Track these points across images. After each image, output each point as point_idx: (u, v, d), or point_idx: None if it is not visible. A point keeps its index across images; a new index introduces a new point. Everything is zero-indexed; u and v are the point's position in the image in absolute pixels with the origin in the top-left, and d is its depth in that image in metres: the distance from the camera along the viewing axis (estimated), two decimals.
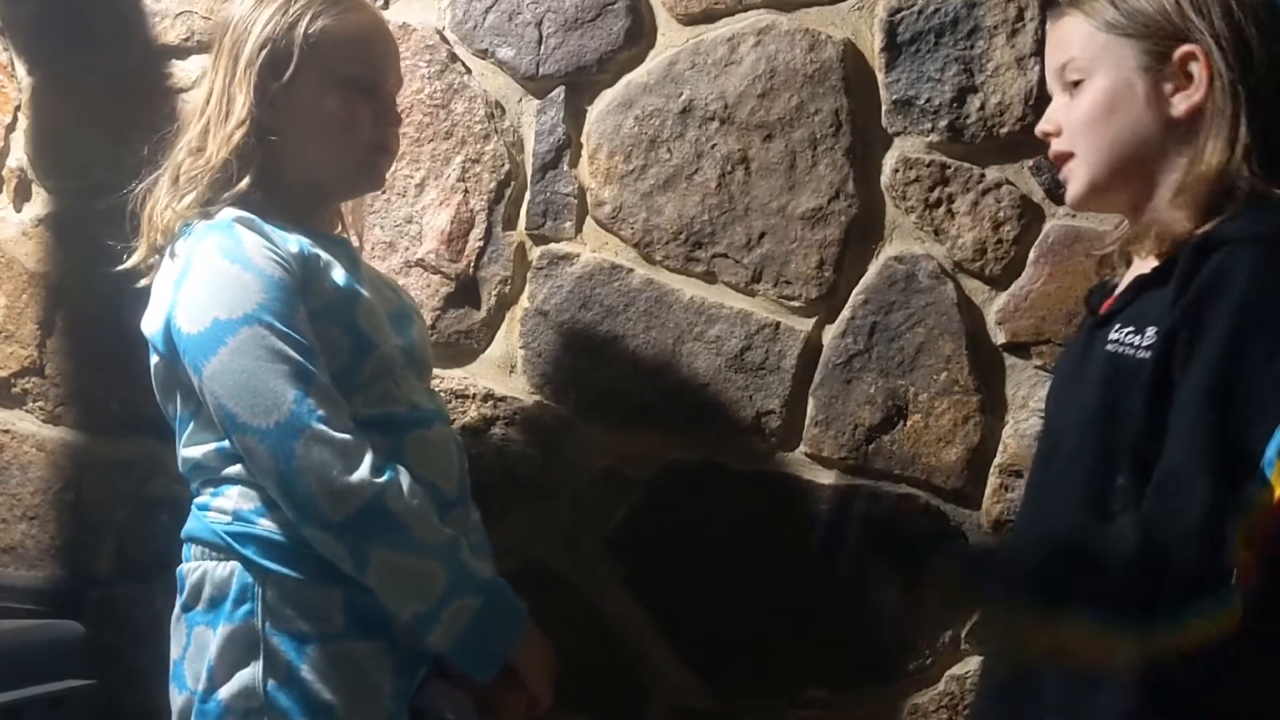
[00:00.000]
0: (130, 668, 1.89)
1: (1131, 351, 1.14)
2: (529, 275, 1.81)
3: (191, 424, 1.42)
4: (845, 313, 1.71)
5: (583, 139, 1.80)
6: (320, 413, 1.31)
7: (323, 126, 1.44)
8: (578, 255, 1.79)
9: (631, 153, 1.77)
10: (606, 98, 1.79)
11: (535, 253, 1.82)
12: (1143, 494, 1.10)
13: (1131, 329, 1.16)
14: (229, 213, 1.39)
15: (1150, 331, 1.13)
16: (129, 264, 1.47)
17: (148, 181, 1.47)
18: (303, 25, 1.42)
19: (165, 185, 1.45)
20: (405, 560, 1.32)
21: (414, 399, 1.45)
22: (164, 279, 1.41)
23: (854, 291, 1.70)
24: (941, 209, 1.67)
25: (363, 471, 1.30)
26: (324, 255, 1.42)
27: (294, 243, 1.40)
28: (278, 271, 1.35)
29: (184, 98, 1.95)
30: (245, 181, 1.41)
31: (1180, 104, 1.19)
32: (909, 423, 1.67)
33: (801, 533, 1.70)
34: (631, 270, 1.77)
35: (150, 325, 1.41)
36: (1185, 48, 1.18)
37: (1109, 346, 1.17)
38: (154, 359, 1.44)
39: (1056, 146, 1.26)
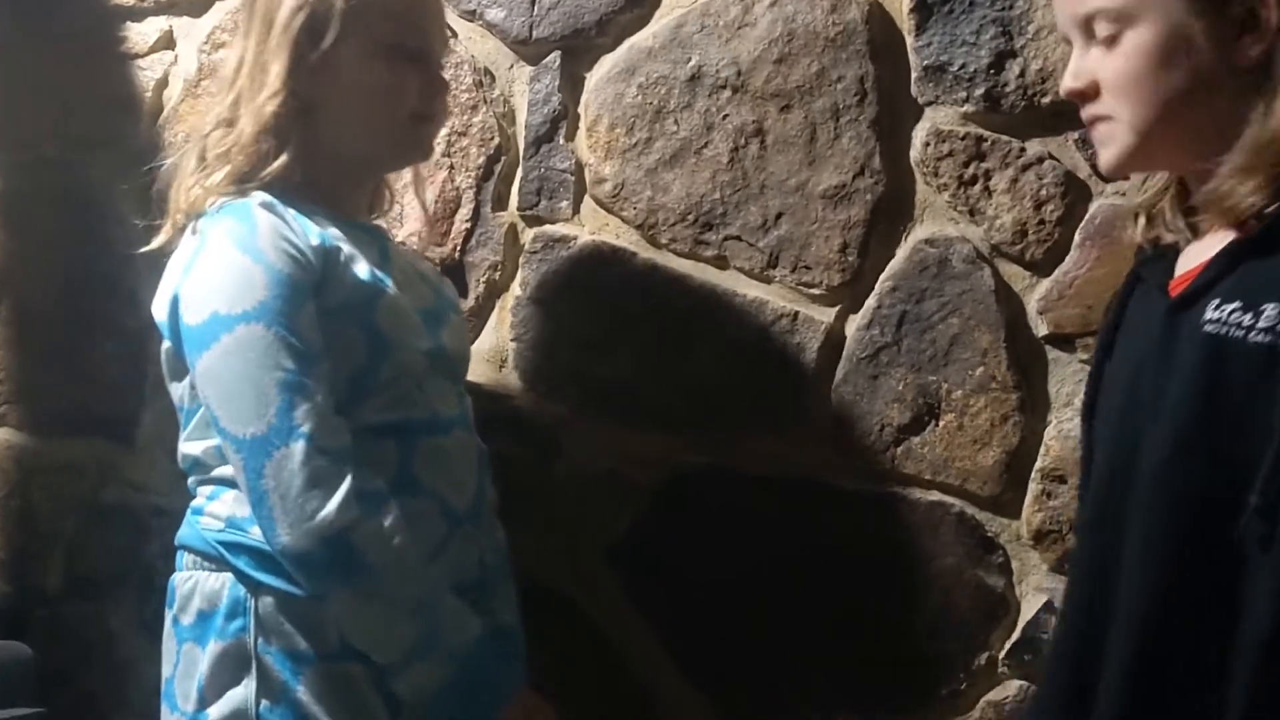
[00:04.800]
0: (82, 693, 1.93)
1: (1242, 334, 1.05)
2: (521, 260, 1.82)
3: (194, 418, 1.46)
4: (871, 301, 1.70)
5: (580, 109, 1.80)
6: (304, 429, 1.33)
7: (365, 97, 1.48)
8: (575, 238, 1.79)
9: (634, 124, 1.76)
10: (607, 64, 1.79)
11: (528, 235, 1.82)
12: (1277, 517, 1.03)
13: (1238, 305, 1.07)
14: (255, 196, 1.43)
15: (1271, 309, 1.05)
16: (153, 246, 1.50)
17: (175, 157, 1.52)
18: None
19: (192, 161, 1.48)
20: (366, 609, 1.36)
21: (435, 405, 1.47)
22: (176, 261, 1.44)
23: (881, 278, 1.69)
24: (977, 186, 1.65)
25: (333, 503, 1.33)
26: (347, 248, 1.44)
27: (316, 234, 1.42)
28: (289, 266, 1.38)
29: (140, 64, 1.99)
30: (283, 159, 1.44)
31: (1251, 46, 1.11)
32: (941, 423, 1.67)
33: (821, 544, 1.71)
34: (634, 254, 1.77)
35: (158, 309, 1.45)
36: None
37: (1208, 328, 1.08)
38: (164, 344, 1.48)
39: (1093, 109, 1.18)
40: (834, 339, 1.71)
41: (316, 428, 1.34)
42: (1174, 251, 1.22)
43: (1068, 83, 1.20)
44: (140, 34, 1.98)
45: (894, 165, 1.69)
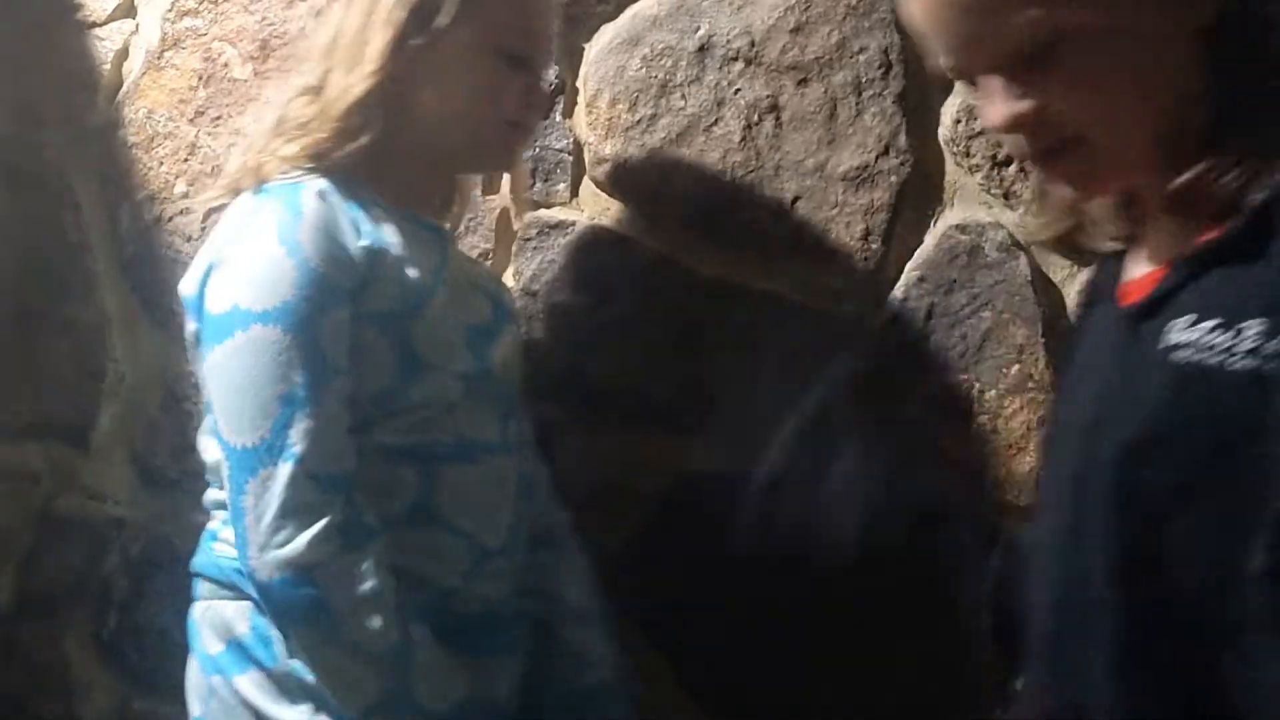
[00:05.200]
0: None
1: (1220, 359, 0.92)
2: (514, 248, 1.81)
3: (210, 414, 1.45)
4: (897, 293, 1.67)
5: (579, 83, 1.79)
6: (296, 449, 1.31)
7: (463, 92, 1.47)
8: (573, 223, 1.79)
9: (638, 99, 1.75)
10: (608, 33, 1.77)
11: (521, 221, 1.81)
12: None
13: (1217, 323, 0.93)
14: (313, 183, 1.42)
15: (1255, 327, 0.91)
16: (202, 199, 1.55)
17: (249, 117, 1.53)
18: None
19: (268, 125, 1.48)
20: (327, 653, 1.33)
21: (466, 430, 1.46)
22: (216, 236, 1.44)
23: (907, 267, 1.67)
24: (1012, 168, 1.62)
25: (305, 536, 1.29)
26: (396, 251, 1.43)
27: (368, 233, 1.41)
28: (326, 265, 1.36)
29: (97, 34, 1.98)
30: (362, 141, 1.44)
31: (1207, 5, 0.99)
32: (973, 426, 1.65)
33: (840, 558, 1.65)
34: (638, 241, 1.76)
35: (188, 285, 1.44)
36: None
37: (1178, 354, 0.95)
38: (189, 326, 1.47)
39: (1048, 137, 1.02)
40: (856, 334, 1.68)
41: (310, 450, 1.31)
42: (1121, 255, 1.11)
43: (1006, 112, 1.02)
44: (98, 1, 1.97)
45: (921, 144, 1.66)
